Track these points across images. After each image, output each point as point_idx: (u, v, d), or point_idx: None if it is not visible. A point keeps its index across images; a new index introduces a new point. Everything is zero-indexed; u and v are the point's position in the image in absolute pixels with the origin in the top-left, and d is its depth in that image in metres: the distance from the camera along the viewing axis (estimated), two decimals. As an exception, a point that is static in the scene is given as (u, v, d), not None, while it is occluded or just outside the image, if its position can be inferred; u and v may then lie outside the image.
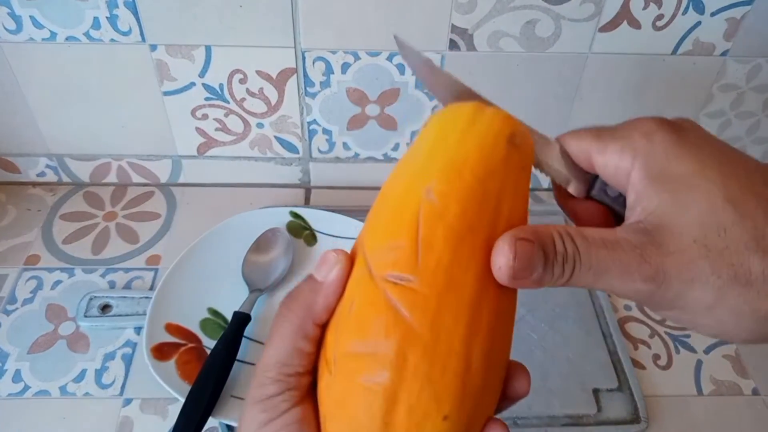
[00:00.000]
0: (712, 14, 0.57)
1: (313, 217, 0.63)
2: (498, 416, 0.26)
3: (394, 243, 0.24)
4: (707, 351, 0.56)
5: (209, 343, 0.52)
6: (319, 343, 0.26)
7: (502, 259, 0.23)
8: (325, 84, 0.61)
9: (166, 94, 0.62)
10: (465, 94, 0.30)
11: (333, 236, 0.62)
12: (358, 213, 0.63)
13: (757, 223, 0.23)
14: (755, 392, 0.54)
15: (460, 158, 0.25)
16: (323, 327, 0.26)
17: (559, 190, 0.30)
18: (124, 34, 0.57)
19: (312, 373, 0.26)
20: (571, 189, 0.29)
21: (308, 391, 0.25)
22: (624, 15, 0.57)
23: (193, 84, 0.61)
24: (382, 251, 0.24)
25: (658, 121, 0.26)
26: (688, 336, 0.58)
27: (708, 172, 0.24)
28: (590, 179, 0.29)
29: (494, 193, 0.25)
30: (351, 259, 0.26)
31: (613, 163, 0.26)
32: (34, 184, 0.70)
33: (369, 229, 0.26)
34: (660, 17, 0.57)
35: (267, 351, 0.25)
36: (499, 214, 0.25)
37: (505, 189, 0.25)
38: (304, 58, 0.59)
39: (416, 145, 0.27)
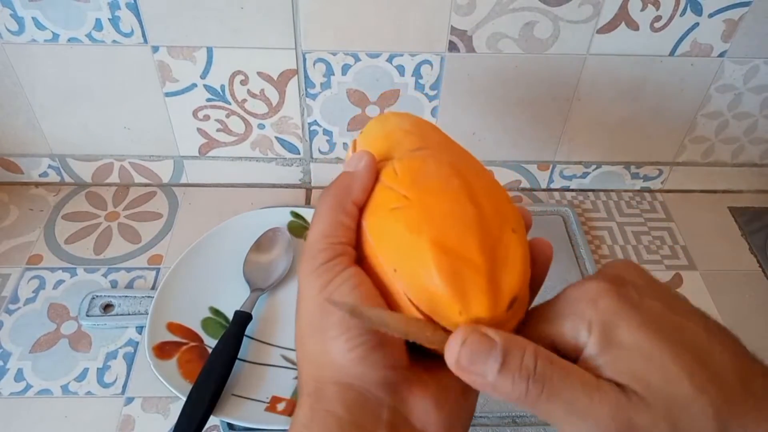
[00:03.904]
0: (710, 15, 0.57)
1: (314, 217, 0.64)
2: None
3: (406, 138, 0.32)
4: (705, 350, 0.57)
5: (210, 342, 0.53)
6: (356, 220, 0.29)
7: (453, 346, 0.24)
8: (326, 85, 0.62)
9: (167, 95, 0.62)
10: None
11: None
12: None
13: (712, 397, 0.23)
14: (752, 391, 0.54)
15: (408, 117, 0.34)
16: (360, 209, 0.29)
17: None
18: (126, 35, 0.57)
19: (354, 247, 0.28)
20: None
21: (355, 260, 0.28)
22: (622, 16, 0.57)
23: (194, 85, 0.61)
24: (404, 143, 0.31)
25: (600, 284, 0.26)
26: (686, 335, 0.58)
27: (657, 343, 0.24)
28: None
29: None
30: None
31: (568, 339, 0.26)
32: (37, 185, 0.70)
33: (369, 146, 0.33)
34: (658, 18, 0.57)
35: (312, 229, 0.28)
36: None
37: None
38: (304, 60, 0.60)
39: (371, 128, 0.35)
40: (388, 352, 0.26)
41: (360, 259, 0.28)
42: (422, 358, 0.28)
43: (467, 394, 0.28)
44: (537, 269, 0.29)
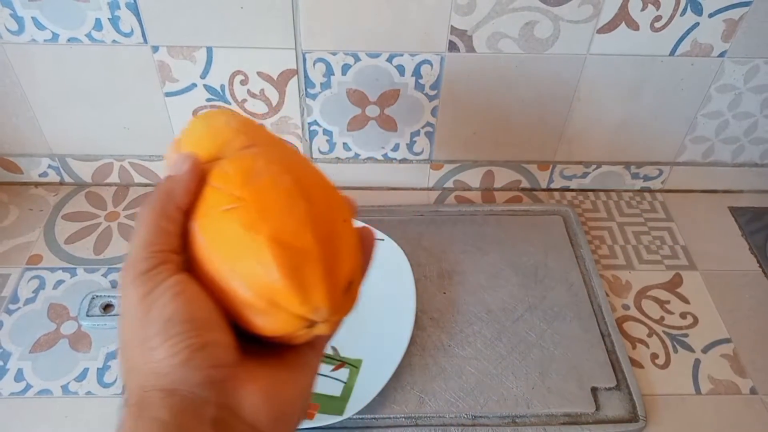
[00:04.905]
0: (710, 15, 0.57)
1: (314, 217, 0.64)
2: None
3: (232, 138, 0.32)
4: (705, 350, 0.57)
5: (210, 343, 0.53)
6: (181, 226, 0.28)
7: None
8: (326, 85, 0.62)
9: (167, 95, 0.62)
10: None
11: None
12: (359, 213, 0.63)
13: None
14: (753, 391, 0.54)
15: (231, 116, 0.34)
16: (185, 214, 0.28)
17: None
18: (126, 35, 0.57)
19: (180, 254, 0.28)
20: None
21: (182, 267, 0.27)
22: (622, 16, 0.57)
23: (194, 85, 0.61)
24: (233, 142, 0.31)
25: None
26: (686, 335, 0.58)
27: None
28: None
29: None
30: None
31: None
32: (37, 185, 0.70)
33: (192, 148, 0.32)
34: (658, 18, 0.57)
35: (135, 238, 0.27)
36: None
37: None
38: (304, 60, 0.60)
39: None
40: (213, 352, 0.26)
41: (191, 263, 0.28)
42: (258, 353, 0.28)
43: (301, 387, 0.29)
44: (364, 254, 0.31)
